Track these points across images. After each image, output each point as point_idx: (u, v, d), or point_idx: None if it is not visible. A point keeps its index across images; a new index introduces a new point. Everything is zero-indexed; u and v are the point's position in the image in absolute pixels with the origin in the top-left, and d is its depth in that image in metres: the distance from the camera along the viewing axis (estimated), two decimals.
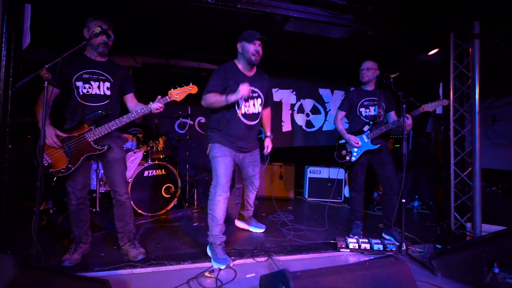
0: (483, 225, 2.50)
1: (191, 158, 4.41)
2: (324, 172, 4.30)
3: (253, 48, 2.10)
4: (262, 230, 2.77)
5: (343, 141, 2.79)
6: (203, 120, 4.97)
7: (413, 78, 4.01)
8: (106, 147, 1.95)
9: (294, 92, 3.92)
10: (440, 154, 4.58)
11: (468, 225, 2.55)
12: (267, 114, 2.53)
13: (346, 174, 4.33)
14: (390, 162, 2.67)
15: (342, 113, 2.86)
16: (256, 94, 2.23)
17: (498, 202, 3.25)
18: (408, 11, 2.56)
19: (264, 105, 2.36)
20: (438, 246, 2.43)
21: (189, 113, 4.75)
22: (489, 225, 2.57)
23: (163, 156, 3.63)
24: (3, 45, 1.70)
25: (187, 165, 3.80)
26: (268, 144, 2.53)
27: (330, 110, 4.09)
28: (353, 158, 2.70)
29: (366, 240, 2.37)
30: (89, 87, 1.97)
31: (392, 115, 2.75)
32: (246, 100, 2.17)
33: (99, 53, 2.01)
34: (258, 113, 2.27)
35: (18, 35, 1.79)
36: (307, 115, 4.02)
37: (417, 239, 2.66)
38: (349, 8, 2.45)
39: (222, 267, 1.99)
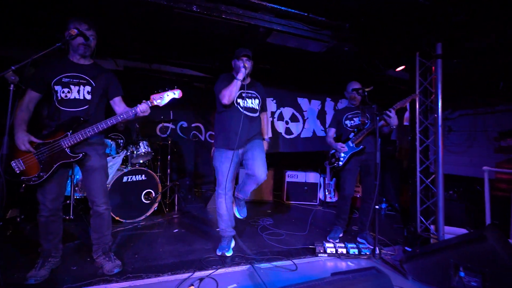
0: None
1: (173, 162, 4.18)
2: (301, 176, 4.28)
3: (239, 63, 2.19)
4: (242, 217, 2.44)
5: (333, 151, 2.80)
6: (185, 124, 4.76)
7: (381, 91, 4.12)
8: (81, 155, 1.73)
9: (274, 101, 3.86)
10: (403, 159, 4.78)
11: (432, 227, 2.62)
12: (262, 118, 2.49)
13: (321, 178, 4.35)
14: (375, 173, 2.65)
15: (332, 130, 2.88)
16: (254, 95, 2.31)
17: (455, 205, 3.41)
18: (380, 30, 2.60)
19: (261, 109, 2.39)
20: (406, 248, 2.46)
21: (171, 117, 4.53)
22: (449, 227, 2.66)
23: (143, 161, 3.39)
24: None
25: (168, 170, 3.58)
26: (265, 147, 2.43)
27: (307, 118, 4.08)
28: (340, 163, 2.68)
29: (343, 245, 2.34)
30: (68, 91, 1.74)
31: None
32: (244, 98, 2.24)
33: (80, 55, 1.80)
34: (257, 108, 2.32)
35: None
36: (287, 122, 3.97)
37: (387, 241, 2.69)
38: (328, 24, 2.43)
39: (219, 253, 2.23)
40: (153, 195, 3.13)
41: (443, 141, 2.52)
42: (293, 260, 2.20)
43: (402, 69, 3.21)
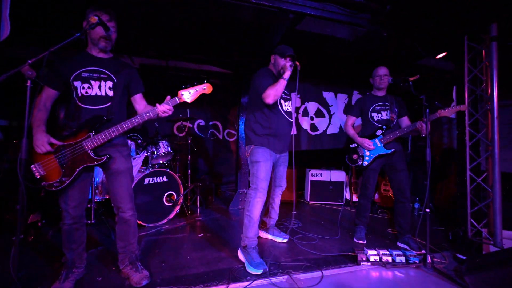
0: None
1: (192, 162, 4.03)
2: (325, 175, 4.04)
3: (283, 63, 2.09)
4: (286, 240, 2.50)
5: (354, 145, 2.54)
6: (202, 122, 4.60)
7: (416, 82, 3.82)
8: (105, 157, 1.57)
9: (298, 95, 3.63)
10: (435, 155, 4.44)
11: (484, 231, 2.34)
12: None
13: (347, 176, 4.10)
14: (404, 169, 2.44)
15: (352, 118, 2.62)
16: (288, 97, 2.24)
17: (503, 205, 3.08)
18: (424, 13, 2.32)
19: None
20: (458, 255, 2.20)
21: (188, 115, 4.38)
22: (505, 231, 2.37)
23: (163, 161, 3.24)
24: None
25: (189, 170, 3.43)
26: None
27: (334, 113, 3.82)
28: (365, 163, 2.45)
29: (387, 252, 2.10)
30: (89, 87, 1.59)
31: (405, 120, 2.53)
32: (285, 100, 2.19)
33: (100, 49, 1.64)
34: (291, 112, 2.27)
35: None
36: (312, 118, 3.73)
37: (432, 246, 2.42)
38: (367, 7, 2.17)
39: (259, 272, 1.85)
40: (175, 197, 2.97)
41: (499, 134, 2.23)
42: (333, 270, 1.99)
43: (443, 57, 2.90)
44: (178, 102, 1.63)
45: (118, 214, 1.74)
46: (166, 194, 2.92)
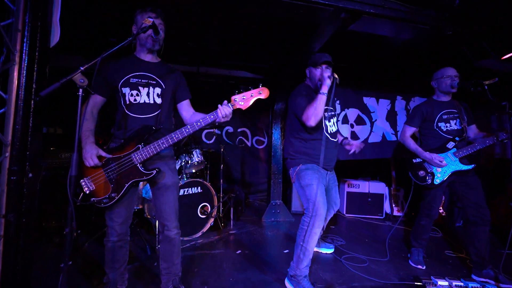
0: None
1: (224, 172, 3.89)
2: (363, 186, 3.74)
3: (319, 73, 1.91)
4: (332, 250, 2.47)
5: (418, 159, 2.24)
6: (231, 129, 4.47)
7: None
8: (154, 172, 1.43)
9: (338, 101, 3.39)
10: (490, 168, 4.01)
11: None
12: None
13: (387, 189, 3.78)
14: (479, 186, 2.11)
15: (412, 129, 2.31)
16: (332, 113, 2.02)
17: None
18: (499, 6, 2.03)
19: None
20: None
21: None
22: None
23: (196, 170, 3.11)
24: (25, 40, 1.19)
25: (221, 180, 3.28)
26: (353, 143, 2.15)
27: (375, 120, 3.54)
28: (437, 181, 2.13)
29: (461, 284, 1.80)
30: (137, 94, 1.47)
31: (474, 129, 2.22)
32: (330, 119, 1.97)
33: (148, 50, 1.53)
34: (337, 130, 2.09)
35: (44, 29, 1.29)
36: (352, 125, 3.47)
37: (507, 276, 2.07)
38: (433, 2, 1.92)
39: None
40: (209, 209, 2.82)
41: None
42: None
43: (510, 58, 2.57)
44: (232, 109, 1.46)
45: (163, 232, 1.59)
46: (200, 206, 2.77)
